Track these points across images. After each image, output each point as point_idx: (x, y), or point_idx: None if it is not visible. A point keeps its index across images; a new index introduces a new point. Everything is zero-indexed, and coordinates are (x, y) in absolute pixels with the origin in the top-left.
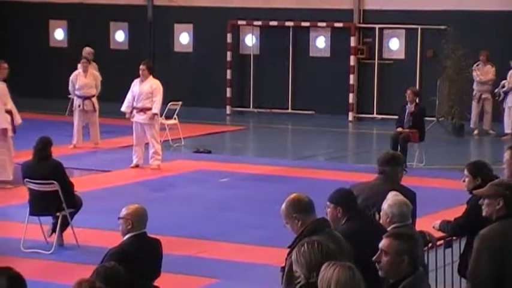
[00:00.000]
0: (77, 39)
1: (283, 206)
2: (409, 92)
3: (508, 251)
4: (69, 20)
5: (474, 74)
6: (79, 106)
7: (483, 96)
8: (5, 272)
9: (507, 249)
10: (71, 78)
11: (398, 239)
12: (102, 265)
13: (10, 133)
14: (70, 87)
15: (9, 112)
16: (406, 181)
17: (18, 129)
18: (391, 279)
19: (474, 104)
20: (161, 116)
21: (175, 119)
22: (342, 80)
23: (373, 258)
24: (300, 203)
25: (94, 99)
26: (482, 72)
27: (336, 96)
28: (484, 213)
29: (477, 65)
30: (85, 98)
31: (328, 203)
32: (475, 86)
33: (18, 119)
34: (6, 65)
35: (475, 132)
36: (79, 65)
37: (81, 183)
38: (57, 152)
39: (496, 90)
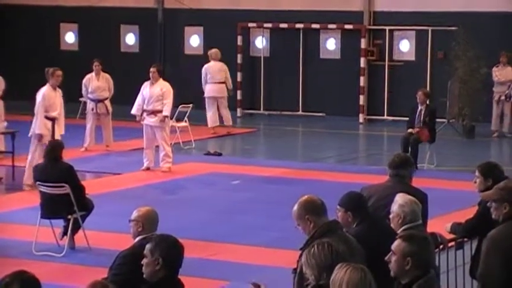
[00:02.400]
0: (88, 42)
1: (296, 207)
2: (420, 93)
3: None
4: (80, 23)
5: (493, 74)
6: (92, 109)
7: (502, 98)
8: (18, 277)
9: None
10: (83, 81)
11: (407, 241)
12: (161, 236)
13: (47, 139)
14: (83, 91)
15: (53, 119)
16: (417, 182)
17: (27, 132)
18: (401, 280)
19: (494, 105)
20: (172, 118)
21: (186, 121)
22: (352, 82)
23: (386, 258)
24: (313, 205)
25: (107, 102)
26: (502, 74)
27: (346, 98)
28: (493, 216)
29: (497, 66)
30: (98, 101)
31: (338, 207)
32: (494, 88)
33: (61, 129)
34: (60, 72)
35: (495, 134)
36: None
37: (93, 186)
38: (69, 155)
39: (506, 91)
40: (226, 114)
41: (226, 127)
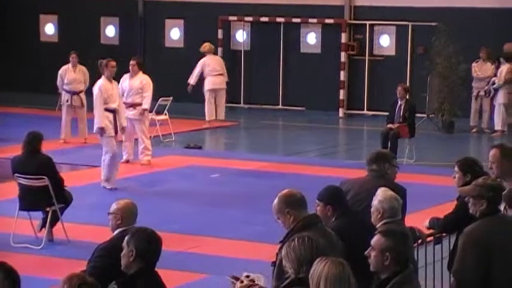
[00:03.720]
0: (68, 34)
1: (276, 201)
2: (399, 88)
3: (493, 247)
4: (60, 14)
5: (473, 70)
6: (67, 101)
7: (481, 93)
8: (0, 266)
9: (492, 245)
10: (59, 72)
11: (385, 236)
12: (137, 228)
13: (110, 132)
14: (58, 82)
15: (114, 111)
16: (396, 177)
17: (6, 123)
18: (381, 274)
19: (473, 101)
20: (151, 111)
21: (165, 114)
22: (332, 76)
23: (365, 252)
24: (293, 199)
25: (82, 95)
26: (481, 69)
27: (326, 92)
28: (470, 211)
29: (476, 62)
30: (73, 93)
31: (317, 201)
32: (473, 83)
33: (122, 121)
34: (114, 63)
35: (474, 130)
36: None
37: (71, 179)
38: (47, 147)
39: (486, 87)
40: (223, 107)
41: (220, 121)
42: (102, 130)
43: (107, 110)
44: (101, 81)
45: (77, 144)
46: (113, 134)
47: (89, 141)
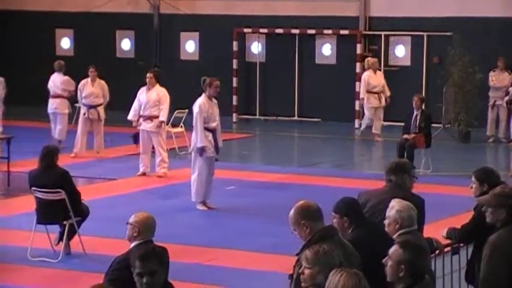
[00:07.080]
0: (84, 47)
1: (292, 212)
2: (415, 98)
3: None
4: (75, 28)
5: (490, 79)
6: (84, 114)
7: (497, 103)
8: None
9: None
10: (79, 86)
11: (402, 248)
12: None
13: (210, 152)
14: (78, 96)
15: (213, 130)
16: (413, 188)
17: (23, 137)
18: (396, 285)
19: (489, 111)
20: (167, 124)
21: (181, 127)
22: (348, 87)
23: (383, 260)
24: (309, 210)
25: (100, 109)
26: (498, 79)
27: (342, 103)
28: (488, 220)
29: (493, 71)
30: (91, 106)
31: (333, 213)
32: (490, 93)
33: (219, 141)
34: (218, 82)
35: (491, 139)
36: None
37: (88, 192)
38: (61, 161)
39: (506, 98)
40: (377, 123)
41: (374, 134)
42: (202, 150)
43: (206, 129)
44: (202, 99)
45: (92, 157)
46: (212, 154)
47: (102, 155)
